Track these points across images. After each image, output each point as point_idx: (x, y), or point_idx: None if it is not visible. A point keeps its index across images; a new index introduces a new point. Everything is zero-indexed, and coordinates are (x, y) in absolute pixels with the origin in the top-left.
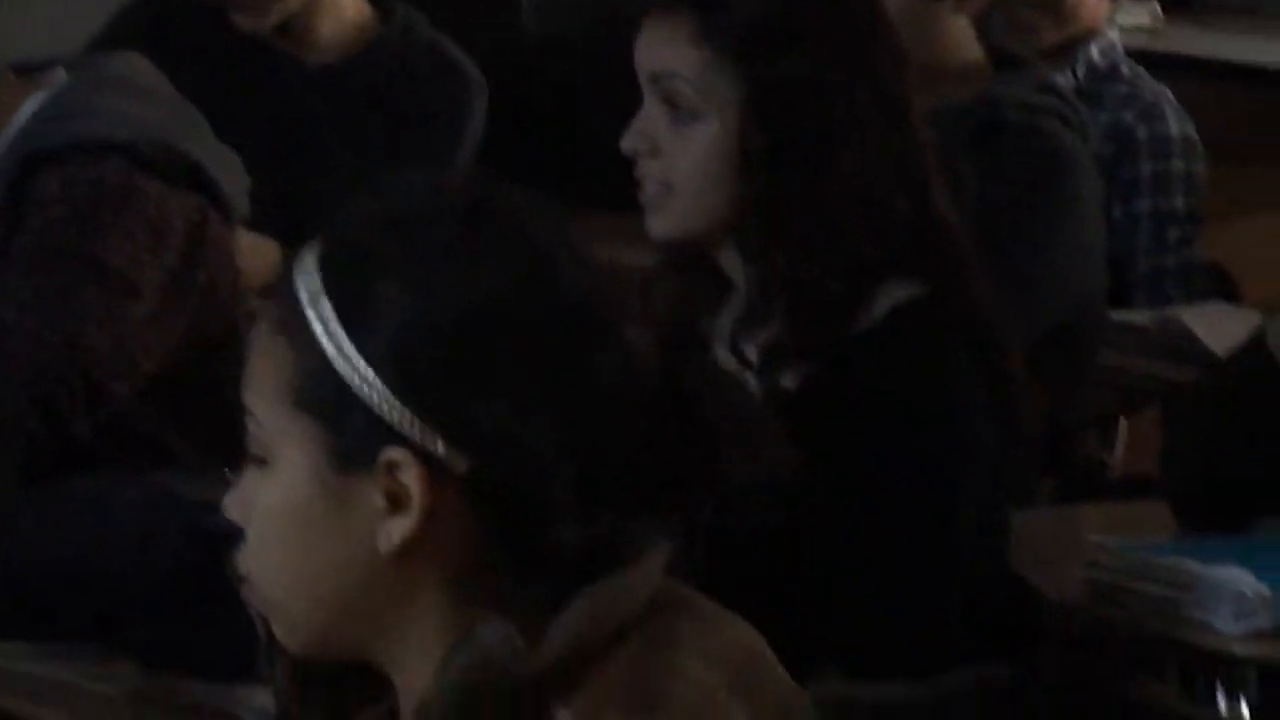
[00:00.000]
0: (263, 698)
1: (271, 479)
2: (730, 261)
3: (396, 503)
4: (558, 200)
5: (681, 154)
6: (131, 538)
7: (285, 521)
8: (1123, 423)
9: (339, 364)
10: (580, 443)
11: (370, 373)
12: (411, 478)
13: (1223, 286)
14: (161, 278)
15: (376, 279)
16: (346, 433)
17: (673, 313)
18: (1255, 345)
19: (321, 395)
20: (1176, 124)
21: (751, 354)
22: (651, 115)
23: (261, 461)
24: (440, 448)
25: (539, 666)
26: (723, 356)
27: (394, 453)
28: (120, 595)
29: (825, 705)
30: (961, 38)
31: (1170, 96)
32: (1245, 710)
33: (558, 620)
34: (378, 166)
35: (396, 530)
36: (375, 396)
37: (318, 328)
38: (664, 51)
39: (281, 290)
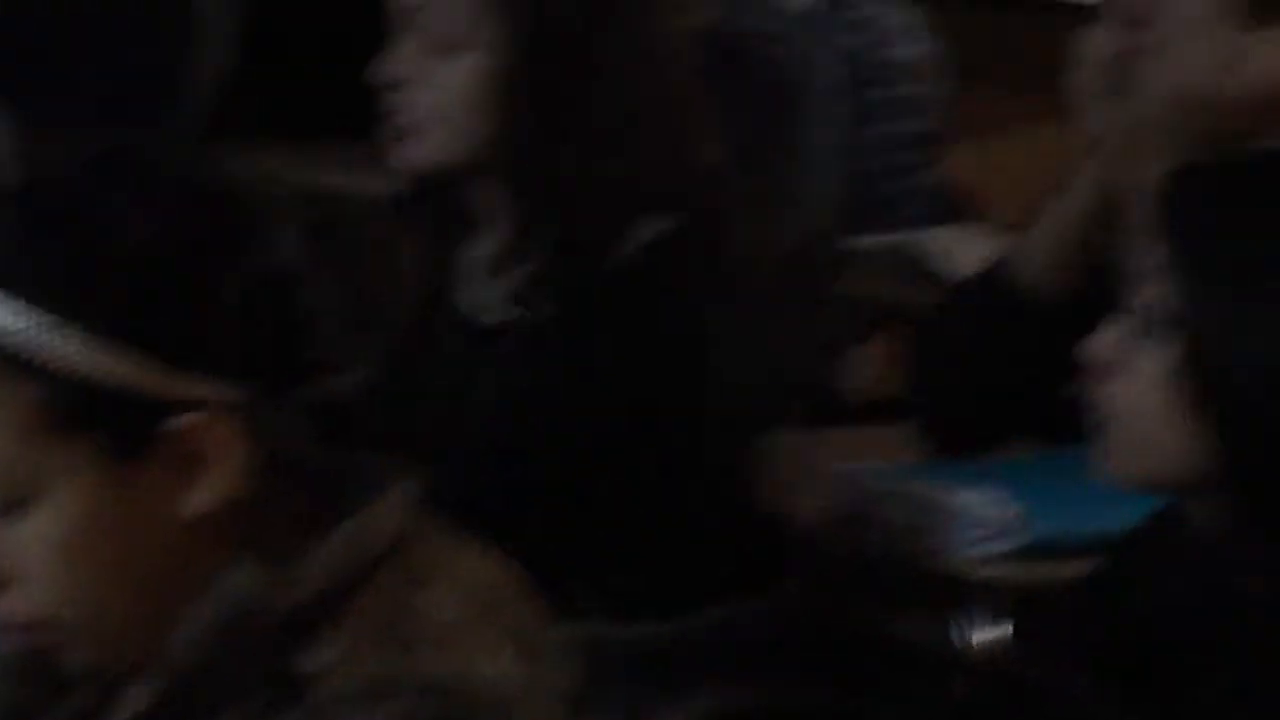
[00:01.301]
0: None
1: (43, 514)
2: (483, 195)
3: (190, 467)
4: (294, 128)
5: (438, 86)
6: None
7: (82, 542)
8: (864, 347)
9: (79, 369)
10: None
11: (102, 358)
12: (197, 433)
13: (964, 208)
14: None
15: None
16: (112, 426)
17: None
18: (996, 267)
19: (69, 406)
20: (913, 48)
21: (507, 288)
22: (409, 46)
23: (17, 505)
24: (197, 389)
25: (291, 604)
26: (474, 290)
27: (170, 424)
28: None
29: (578, 645)
30: None
31: (906, 20)
32: (993, 633)
33: (309, 556)
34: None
35: (201, 493)
36: (122, 371)
37: (36, 350)
38: None
39: None
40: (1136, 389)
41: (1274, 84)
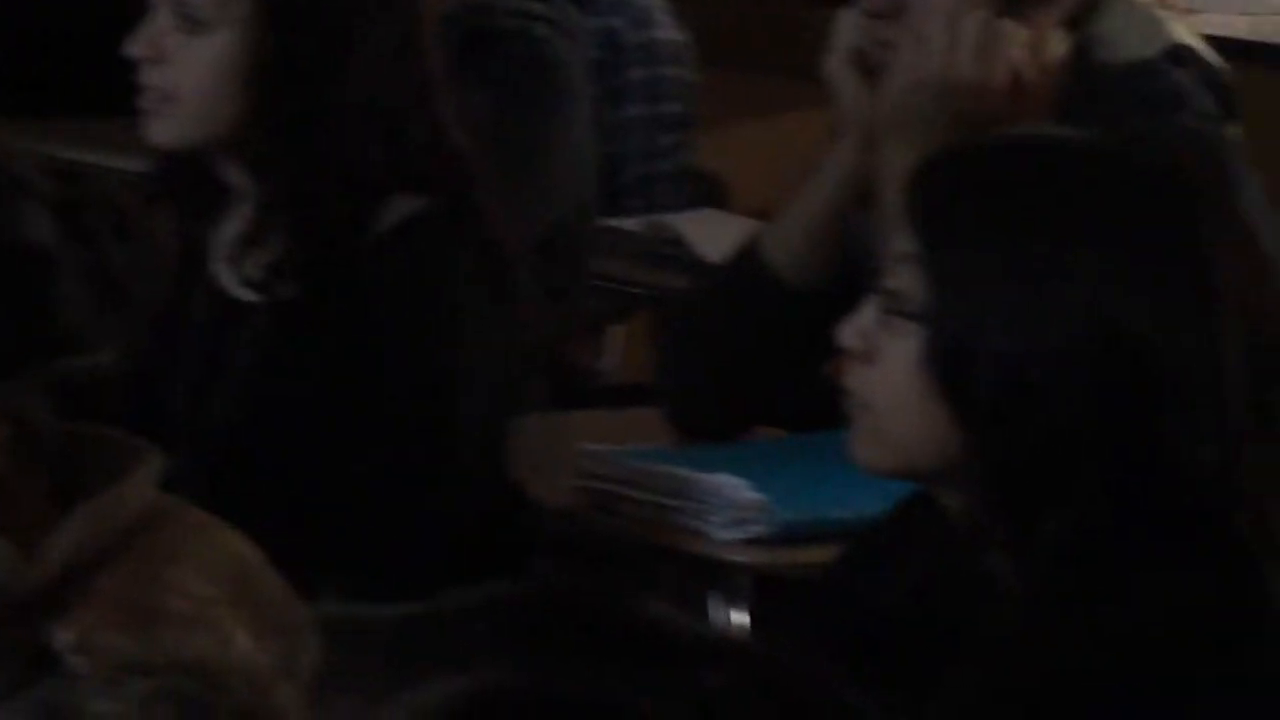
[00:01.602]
0: None
1: None
2: (234, 173)
3: None
4: (43, 104)
5: (190, 63)
6: None
7: None
8: (615, 329)
9: None
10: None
11: None
12: None
13: (714, 192)
14: None
15: None
16: None
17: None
18: (747, 252)
19: None
20: (667, 29)
21: (255, 269)
22: (161, 22)
23: None
24: None
25: (33, 584)
26: (226, 268)
27: None
28: None
29: (325, 626)
30: None
31: (661, 2)
32: (740, 617)
33: (52, 536)
34: None
35: None
36: None
37: None
38: None
39: None
40: (886, 376)
41: (1024, 71)
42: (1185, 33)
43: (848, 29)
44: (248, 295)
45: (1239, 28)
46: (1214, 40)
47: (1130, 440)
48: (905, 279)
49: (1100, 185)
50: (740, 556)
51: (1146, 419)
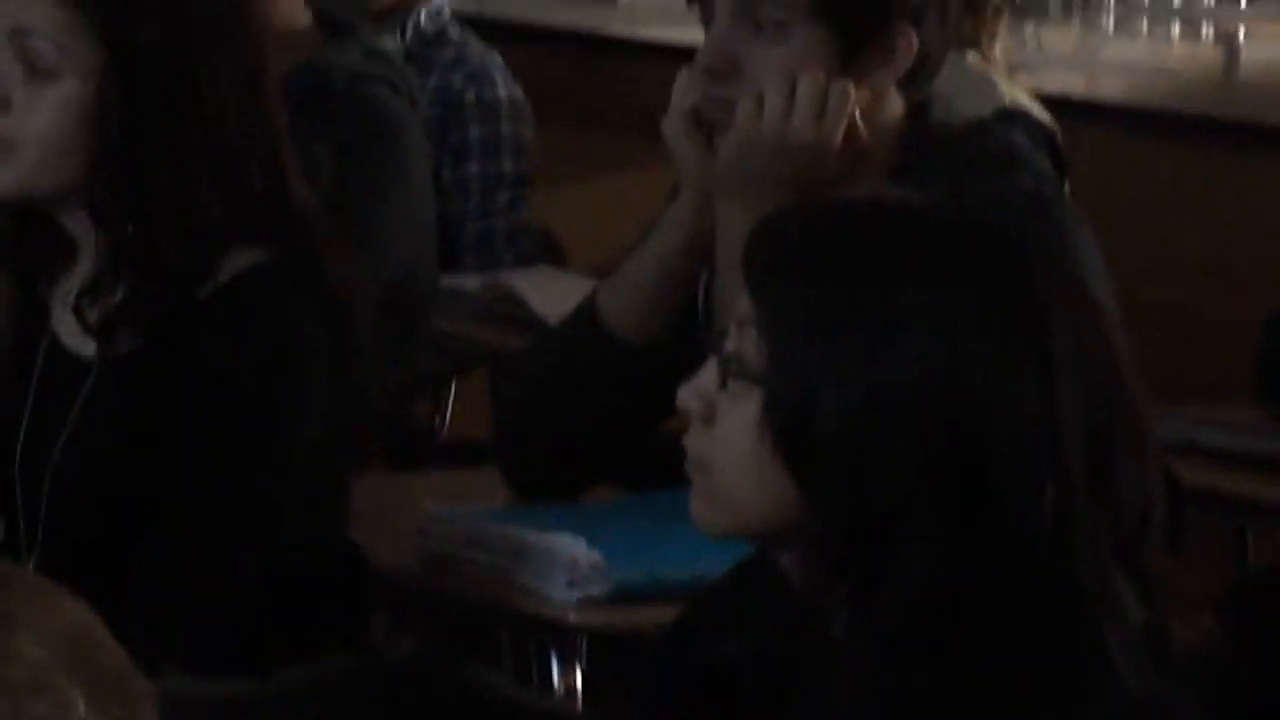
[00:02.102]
0: None
1: None
2: (76, 223)
3: None
4: None
5: (34, 112)
6: None
7: None
8: (453, 387)
9: None
10: None
11: None
12: None
13: (552, 250)
14: None
15: None
16: None
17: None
18: (584, 310)
19: None
20: (504, 88)
21: (96, 320)
22: (8, 71)
23: None
24: None
25: None
26: (64, 320)
27: None
28: None
29: (165, 702)
30: (290, 4)
31: (498, 60)
32: (577, 679)
33: None
34: None
35: None
36: None
37: None
38: (26, 9)
39: None
40: (725, 438)
41: (860, 132)
42: (1018, 92)
43: (685, 87)
44: (88, 350)
45: (1074, 85)
46: (1050, 98)
47: (968, 495)
48: (744, 341)
49: (935, 245)
50: (578, 617)
51: (984, 475)
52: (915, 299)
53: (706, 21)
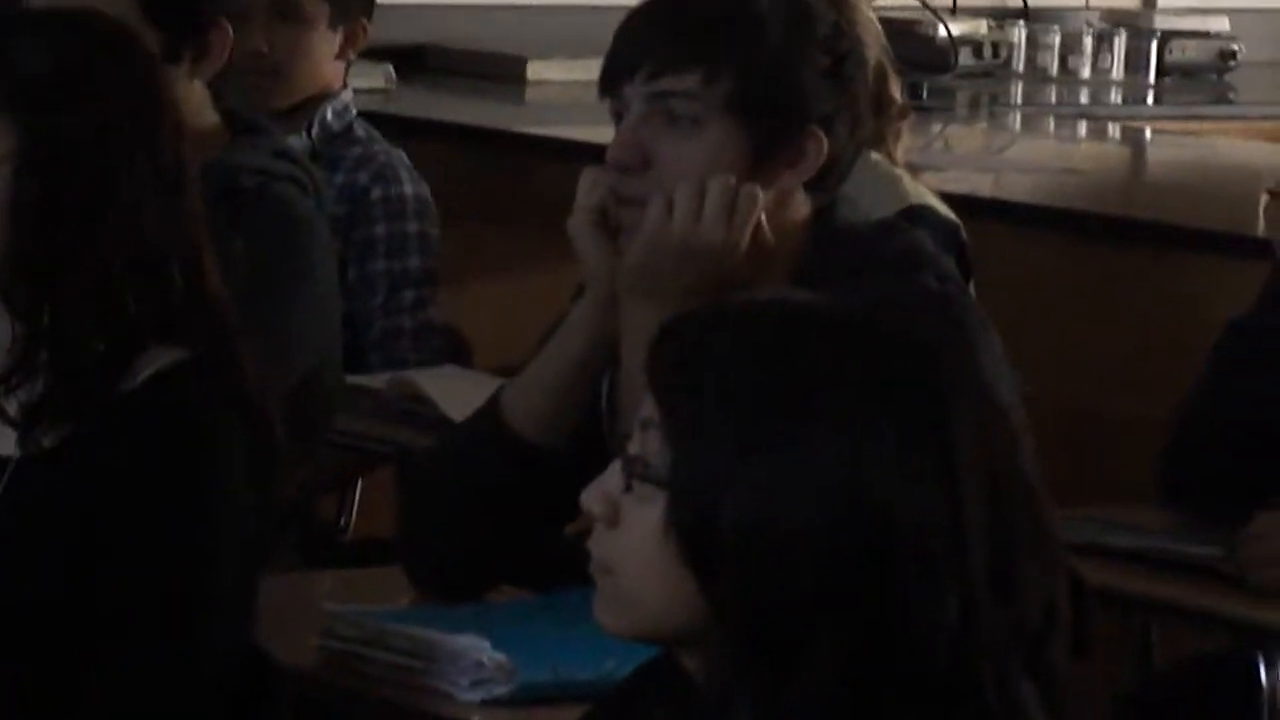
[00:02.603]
0: None
1: None
2: None
3: None
4: None
5: None
6: None
7: None
8: (359, 485)
9: None
10: None
11: None
12: None
13: (457, 348)
14: None
15: None
16: None
17: None
18: (489, 409)
19: None
20: (411, 185)
21: (11, 411)
22: None
23: None
24: None
25: None
26: None
27: None
28: None
29: None
30: (197, 102)
31: (404, 158)
32: None
33: None
34: None
35: None
36: None
37: None
38: None
39: None
40: (629, 541)
41: (767, 234)
42: (924, 191)
43: (591, 187)
44: (6, 446)
45: (981, 185)
46: (957, 197)
47: (872, 605)
48: (648, 443)
49: (839, 351)
50: (483, 718)
51: (888, 583)
52: (818, 403)
53: (618, 115)
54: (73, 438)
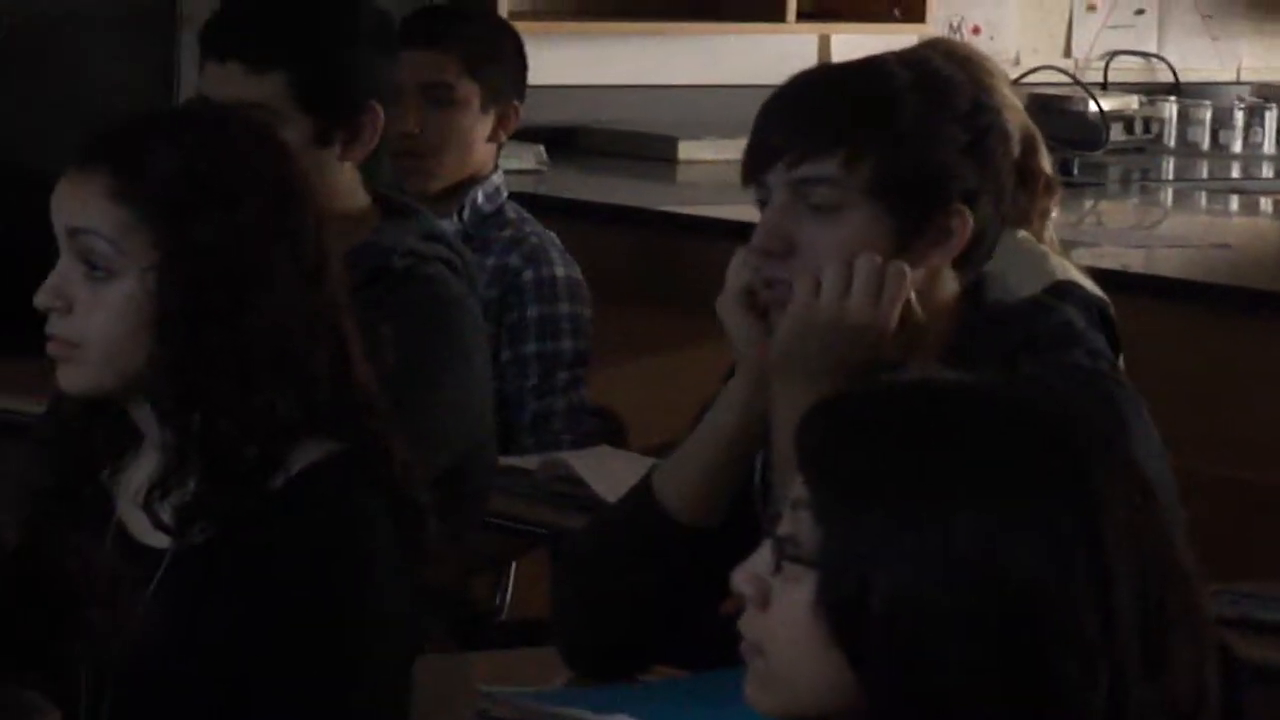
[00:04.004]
0: None
1: None
2: (142, 416)
3: None
4: None
5: (96, 312)
6: None
7: None
8: (513, 567)
9: None
10: None
11: None
12: None
13: (610, 429)
14: None
15: None
16: None
17: (73, 464)
18: (641, 490)
19: None
20: (562, 266)
21: (165, 513)
22: (68, 271)
23: None
24: None
25: None
26: (130, 513)
27: None
28: None
29: None
30: (348, 184)
31: (556, 239)
32: None
33: None
34: None
35: None
36: None
37: None
38: (82, 208)
39: None
40: (780, 622)
41: (915, 313)
42: (1069, 267)
43: (740, 267)
44: (158, 540)
45: (1133, 260)
46: (1107, 273)
47: (1022, 684)
48: (798, 523)
49: (988, 431)
50: None
51: (1037, 662)
52: (967, 484)
53: (762, 202)
54: (227, 532)
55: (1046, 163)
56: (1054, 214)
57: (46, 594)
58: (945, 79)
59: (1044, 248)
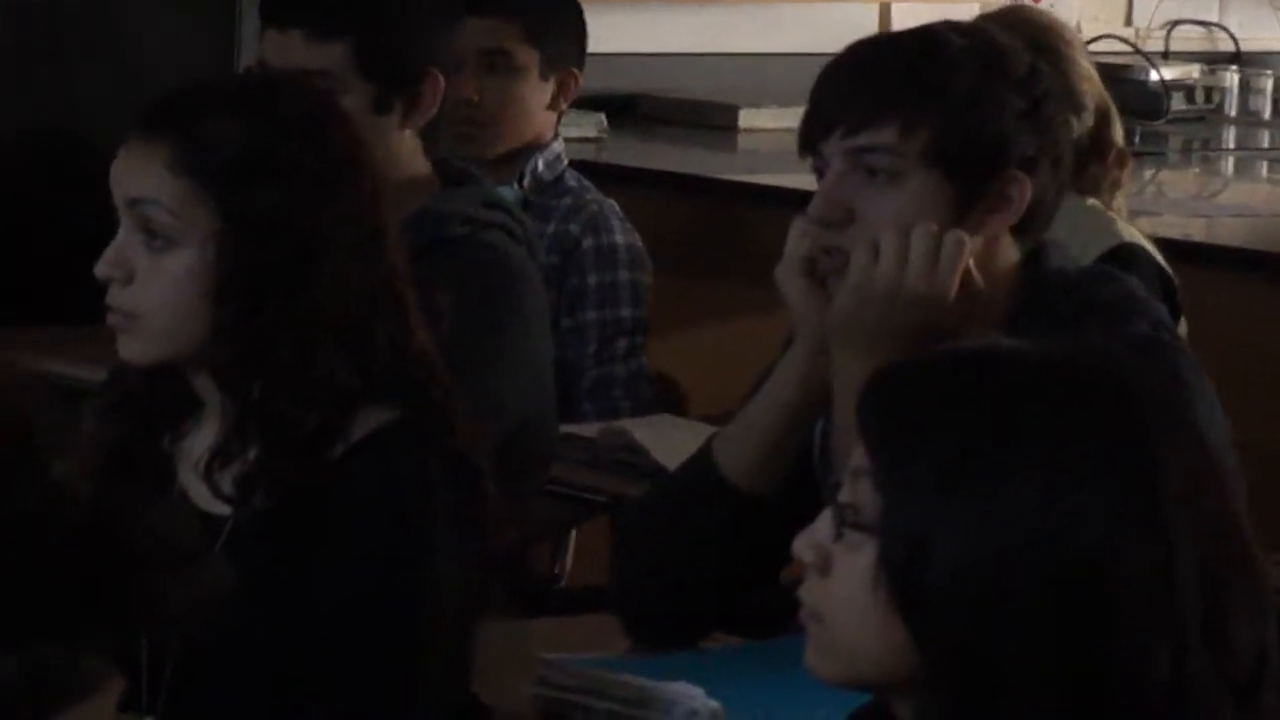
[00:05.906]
0: None
1: None
2: (203, 385)
3: None
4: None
5: (156, 281)
6: None
7: None
8: (573, 535)
9: None
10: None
11: None
12: None
13: (669, 397)
14: None
15: None
16: None
17: (130, 431)
18: (701, 458)
19: None
20: (622, 234)
21: (226, 482)
22: (128, 241)
23: None
24: None
25: None
26: (192, 481)
27: None
28: None
29: None
30: (408, 151)
31: (616, 207)
32: None
33: None
34: None
35: None
36: None
37: None
38: (142, 179)
39: None
40: (840, 589)
41: (975, 280)
42: (1135, 233)
43: (799, 237)
44: (219, 508)
45: (1195, 230)
46: (1169, 243)
47: (1082, 653)
48: (859, 491)
49: (1048, 398)
50: None
51: (1098, 632)
52: (1027, 452)
53: (819, 171)
54: (289, 500)
55: (1119, 134)
56: (1124, 185)
57: (117, 558)
58: (1001, 46)
59: (1111, 213)
